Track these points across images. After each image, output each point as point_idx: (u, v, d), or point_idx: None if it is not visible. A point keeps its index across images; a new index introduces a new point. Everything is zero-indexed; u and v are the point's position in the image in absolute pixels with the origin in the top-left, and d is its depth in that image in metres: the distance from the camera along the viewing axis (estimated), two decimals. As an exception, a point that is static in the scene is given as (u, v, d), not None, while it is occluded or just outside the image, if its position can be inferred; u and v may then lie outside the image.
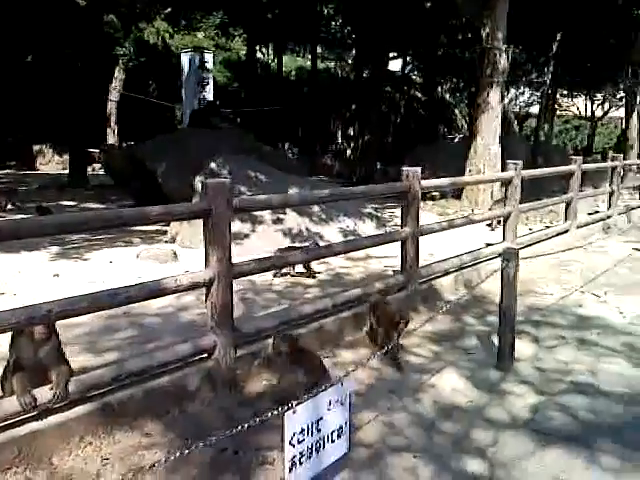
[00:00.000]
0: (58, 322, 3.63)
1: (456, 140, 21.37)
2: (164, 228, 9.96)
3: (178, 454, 2.63)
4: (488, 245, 8.08)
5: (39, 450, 3.19)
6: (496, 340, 4.77)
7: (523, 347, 5.00)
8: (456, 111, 30.65)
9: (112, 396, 3.57)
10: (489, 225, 10.24)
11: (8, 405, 3.15)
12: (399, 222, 6.21)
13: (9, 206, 13.16)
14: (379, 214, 10.69)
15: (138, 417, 3.62)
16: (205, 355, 4.12)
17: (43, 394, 3.24)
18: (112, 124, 25.13)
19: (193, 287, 4.14)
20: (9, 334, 3.38)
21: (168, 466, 3.12)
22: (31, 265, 7.73)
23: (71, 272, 7.35)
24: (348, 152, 27.31)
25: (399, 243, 6.01)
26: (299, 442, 2.82)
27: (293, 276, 6.90)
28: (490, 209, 10.88)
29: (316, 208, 9.41)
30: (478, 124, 13.58)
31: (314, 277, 6.91)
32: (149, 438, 3.52)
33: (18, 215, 12.05)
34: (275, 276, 6.82)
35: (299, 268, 6.94)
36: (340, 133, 28.35)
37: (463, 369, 4.60)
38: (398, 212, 6.37)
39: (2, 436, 3.10)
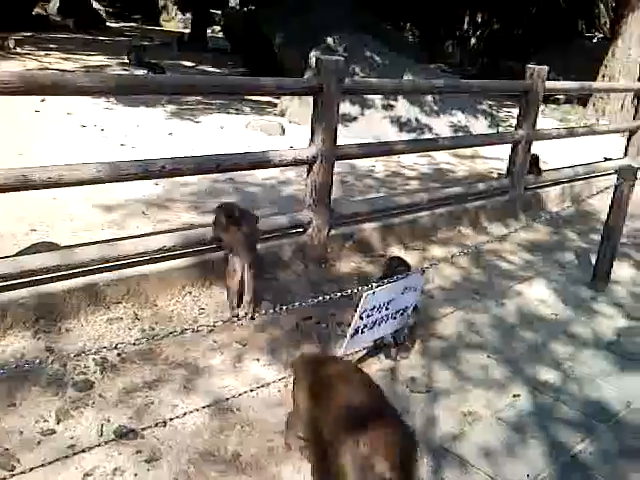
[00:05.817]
0: (168, 179, 3.87)
1: (594, 40, 19.38)
2: (275, 101, 10.03)
3: (267, 314, 2.84)
4: (606, 159, 7.59)
5: (145, 292, 3.54)
6: (594, 259, 4.62)
7: (622, 270, 4.81)
8: (601, 6, 27.41)
9: (212, 254, 3.83)
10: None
11: (122, 247, 3.48)
12: (515, 123, 5.92)
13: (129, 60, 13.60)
14: (494, 112, 10.18)
15: (233, 276, 3.89)
16: (300, 229, 4.29)
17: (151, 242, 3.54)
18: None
19: (296, 163, 4.24)
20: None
21: (256, 323, 3.39)
22: (149, 121, 8.13)
23: (184, 132, 7.68)
24: (472, 41, 25.54)
25: (510, 145, 5.77)
26: (367, 317, 3.00)
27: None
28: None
29: (429, 98, 9.09)
30: (622, 23, 12.26)
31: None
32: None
33: (138, 70, 12.49)
34: None
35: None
36: (467, 19, 26.40)
37: (554, 282, 4.53)
38: (516, 112, 6.04)
39: (115, 274, 3.45)
